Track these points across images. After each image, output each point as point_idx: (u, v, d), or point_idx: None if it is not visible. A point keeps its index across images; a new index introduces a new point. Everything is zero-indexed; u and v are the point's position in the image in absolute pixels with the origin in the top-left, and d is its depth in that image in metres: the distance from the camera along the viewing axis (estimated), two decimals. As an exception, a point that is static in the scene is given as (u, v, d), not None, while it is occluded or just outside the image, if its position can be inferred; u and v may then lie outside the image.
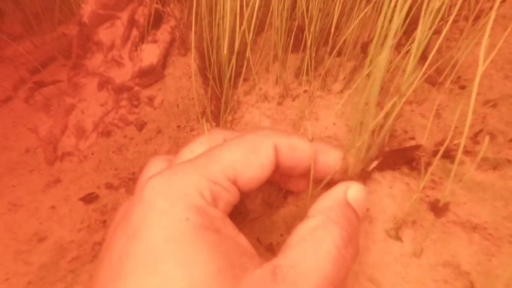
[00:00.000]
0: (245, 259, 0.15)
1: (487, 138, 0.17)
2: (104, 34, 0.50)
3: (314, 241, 0.17)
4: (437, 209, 0.23)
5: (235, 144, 0.19)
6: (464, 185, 0.27)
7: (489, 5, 0.30)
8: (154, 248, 0.13)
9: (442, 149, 0.22)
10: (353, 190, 0.20)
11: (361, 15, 0.31)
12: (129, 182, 0.43)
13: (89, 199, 0.42)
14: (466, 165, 0.27)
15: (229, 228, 0.16)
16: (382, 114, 0.20)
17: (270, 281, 0.14)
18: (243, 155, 0.18)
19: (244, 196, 0.20)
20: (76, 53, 0.49)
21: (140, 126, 0.49)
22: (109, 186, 0.43)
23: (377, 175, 0.29)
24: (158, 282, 0.13)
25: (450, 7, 0.29)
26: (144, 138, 0.48)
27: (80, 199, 0.41)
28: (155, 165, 0.21)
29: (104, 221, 0.39)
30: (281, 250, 0.17)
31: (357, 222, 0.20)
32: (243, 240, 0.16)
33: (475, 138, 0.28)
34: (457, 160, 0.18)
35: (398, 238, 0.26)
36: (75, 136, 0.47)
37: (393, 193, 0.28)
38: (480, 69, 0.15)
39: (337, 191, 0.20)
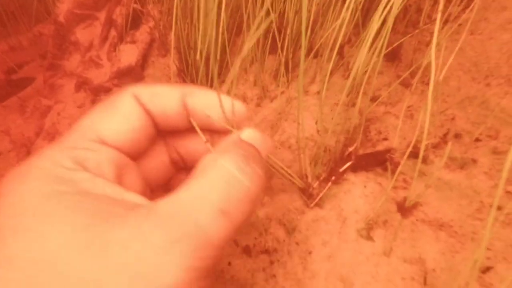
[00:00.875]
0: (120, 209, 0.14)
1: (449, 144, 0.17)
2: (82, 34, 0.49)
3: (200, 173, 0.15)
4: (403, 209, 0.24)
5: (94, 108, 0.18)
6: (433, 184, 0.27)
7: (457, 10, 0.30)
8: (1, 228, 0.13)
9: (409, 149, 0.23)
10: (246, 132, 0.19)
11: (338, 21, 0.32)
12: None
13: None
14: (434, 164, 0.28)
15: (106, 186, 0.15)
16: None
17: (142, 219, 0.13)
18: (101, 114, 0.18)
19: (137, 151, 0.19)
20: (52, 53, 0.48)
21: (120, 128, 0.48)
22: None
23: (350, 176, 0.29)
24: None
25: (418, 11, 0.29)
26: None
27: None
28: None
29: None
30: None
31: (255, 151, 0.18)
32: (131, 197, 0.15)
33: (444, 138, 0.29)
34: (419, 160, 0.19)
35: (369, 238, 0.26)
36: (50, 139, 0.46)
37: (366, 193, 0.28)
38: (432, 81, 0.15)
39: (230, 136, 0.19)
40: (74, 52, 0.51)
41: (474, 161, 0.26)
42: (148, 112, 0.19)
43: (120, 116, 0.18)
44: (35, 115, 0.48)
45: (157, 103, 0.19)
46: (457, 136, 0.28)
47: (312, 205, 0.28)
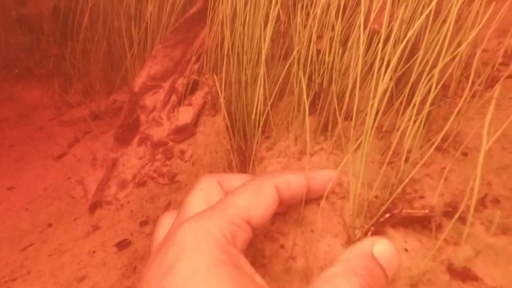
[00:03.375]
0: None
1: (498, 213, 0.19)
2: (149, 100, 0.60)
3: (331, 287, 0.17)
4: (453, 270, 0.25)
5: (245, 191, 0.22)
6: (477, 247, 0.28)
7: (481, 88, 0.34)
8: (185, 279, 0.16)
9: (456, 215, 0.25)
10: (380, 245, 0.20)
11: (371, 92, 0.37)
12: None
13: (123, 245, 0.45)
14: (475, 227, 0.29)
15: (246, 265, 0.18)
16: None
17: None
18: (251, 198, 0.21)
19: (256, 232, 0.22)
20: (125, 116, 0.58)
21: (172, 177, 0.55)
22: (141, 232, 0.47)
23: (390, 231, 0.31)
24: None
25: (444, 87, 0.34)
26: (174, 188, 0.53)
27: (115, 245, 0.45)
28: (166, 219, 0.24)
29: (135, 267, 0.42)
30: None
31: (382, 277, 0.20)
32: (259, 279, 0.18)
33: (481, 201, 0.31)
34: (468, 223, 0.21)
35: (414, 296, 0.27)
36: (115, 187, 0.54)
37: (407, 248, 0.30)
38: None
39: (364, 244, 0.21)
40: (141, 114, 0.61)
41: (516, 225, 0.27)
42: (281, 198, 0.23)
43: (265, 205, 0.22)
44: (104, 166, 0.56)
45: (291, 190, 0.24)
46: (495, 201, 0.30)
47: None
